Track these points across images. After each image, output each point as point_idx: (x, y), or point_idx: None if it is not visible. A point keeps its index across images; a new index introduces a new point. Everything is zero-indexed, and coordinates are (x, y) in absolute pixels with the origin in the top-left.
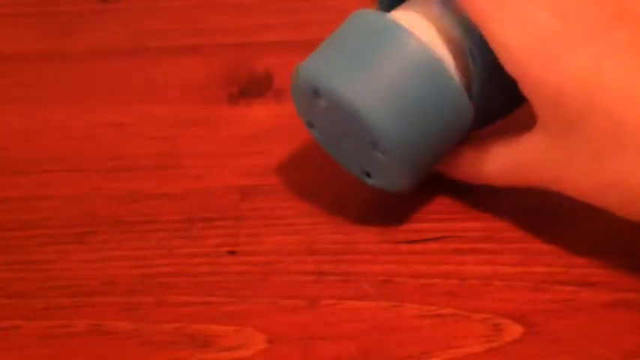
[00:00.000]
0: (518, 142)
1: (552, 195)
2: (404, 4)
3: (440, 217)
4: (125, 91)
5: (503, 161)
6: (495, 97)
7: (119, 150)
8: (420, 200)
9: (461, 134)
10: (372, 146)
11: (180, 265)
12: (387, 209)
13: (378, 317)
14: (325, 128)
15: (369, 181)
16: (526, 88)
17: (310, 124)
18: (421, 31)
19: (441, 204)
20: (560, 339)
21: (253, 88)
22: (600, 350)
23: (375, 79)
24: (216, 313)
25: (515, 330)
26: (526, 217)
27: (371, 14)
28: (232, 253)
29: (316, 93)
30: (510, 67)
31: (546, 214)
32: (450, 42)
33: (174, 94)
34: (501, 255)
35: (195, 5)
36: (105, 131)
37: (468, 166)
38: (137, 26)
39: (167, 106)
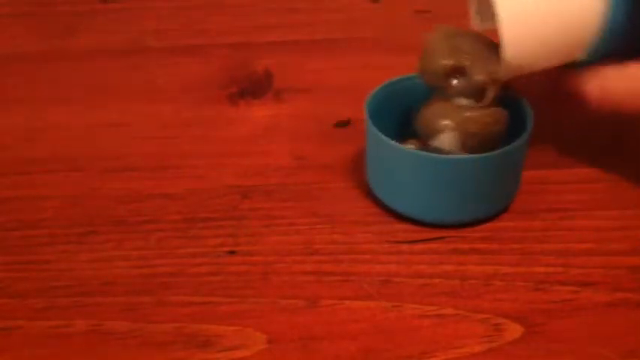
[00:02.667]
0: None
1: (550, 196)
2: None
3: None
4: (125, 91)
5: (622, 94)
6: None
7: (119, 150)
8: None
9: None
10: None
11: (180, 265)
12: (387, 209)
13: (378, 317)
14: None
15: None
16: None
17: None
18: None
19: None
20: (560, 339)
21: (253, 88)
22: (600, 350)
23: None
24: (216, 313)
25: (515, 330)
26: (526, 217)
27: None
28: (232, 253)
29: None
30: None
31: (547, 215)
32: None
33: (175, 94)
34: (501, 255)
35: (195, 5)
36: (105, 131)
37: (595, 92)
38: (137, 26)
39: (167, 106)
